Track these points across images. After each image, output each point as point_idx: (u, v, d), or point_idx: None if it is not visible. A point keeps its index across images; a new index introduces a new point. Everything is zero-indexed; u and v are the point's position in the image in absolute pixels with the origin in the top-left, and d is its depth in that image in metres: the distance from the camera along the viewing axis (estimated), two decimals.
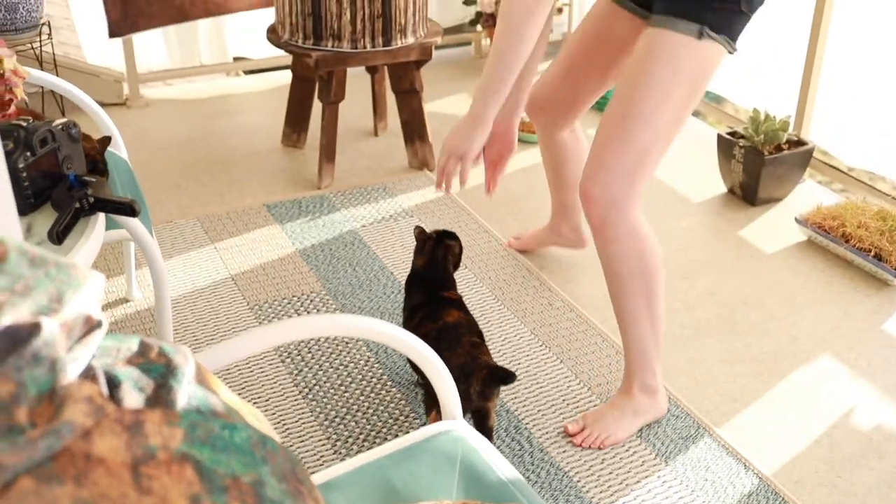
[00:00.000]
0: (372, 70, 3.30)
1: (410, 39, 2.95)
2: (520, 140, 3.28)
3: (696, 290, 2.52)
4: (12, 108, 1.56)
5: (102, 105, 3.63)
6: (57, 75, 3.50)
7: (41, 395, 0.68)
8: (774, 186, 2.99)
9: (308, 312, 2.37)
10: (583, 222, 2.50)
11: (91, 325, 0.75)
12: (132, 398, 0.75)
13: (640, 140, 1.81)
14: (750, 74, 3.45)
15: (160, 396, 0.77)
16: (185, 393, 0.79)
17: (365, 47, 2.88)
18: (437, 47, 3.08)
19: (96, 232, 1.38)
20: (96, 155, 1.64)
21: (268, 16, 3.63)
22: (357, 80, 3.53)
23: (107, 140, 1.67)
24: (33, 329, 0.68)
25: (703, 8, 1.75)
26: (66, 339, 0.71)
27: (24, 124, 1.37)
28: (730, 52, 1.81)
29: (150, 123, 3.57)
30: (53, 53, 3.52)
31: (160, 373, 0.80)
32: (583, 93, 2.22)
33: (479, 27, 4.06)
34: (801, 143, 3.02)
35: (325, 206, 2.92)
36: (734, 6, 1.77)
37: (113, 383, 0.75)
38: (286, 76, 3.47)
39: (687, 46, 1.77)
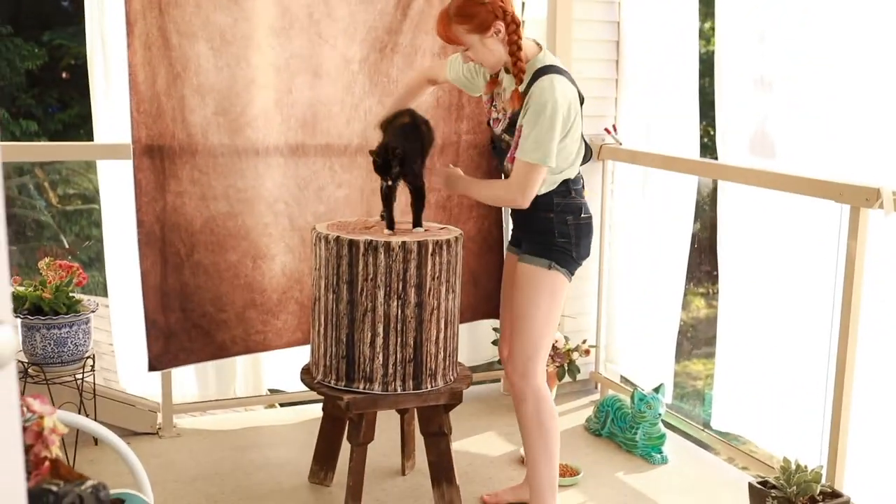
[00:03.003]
0: (402, 410, 3.35)
1: (440, 383, 3.03)
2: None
3: None
4: (45, 465, 1.59)
5: (135, 434, 3.70)
6: (94, 405, 3.60)
7: None
8: None
9: None
10: None
11: None
12: None
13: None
14: (773, 415, 3.45)
15: None
16: None
17: (395, 390, 2.95)
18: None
19: None
20: None
21: (304, 350, 3.77)
22: (387, 418, 3.57)
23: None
24: None
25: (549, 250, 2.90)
26: None
27: (55, 489, 1.40)
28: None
29: (180, 455, 3.59)
30: (94, 384, 3.62)
31: None
32: None
33: None
34: (835, 494, 2.95)
35: None
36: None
37: None
38: (318, 409, 3.53)
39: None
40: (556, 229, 2.89)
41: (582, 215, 2.93)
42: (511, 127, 2.85)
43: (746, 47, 3.45)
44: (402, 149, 2.96)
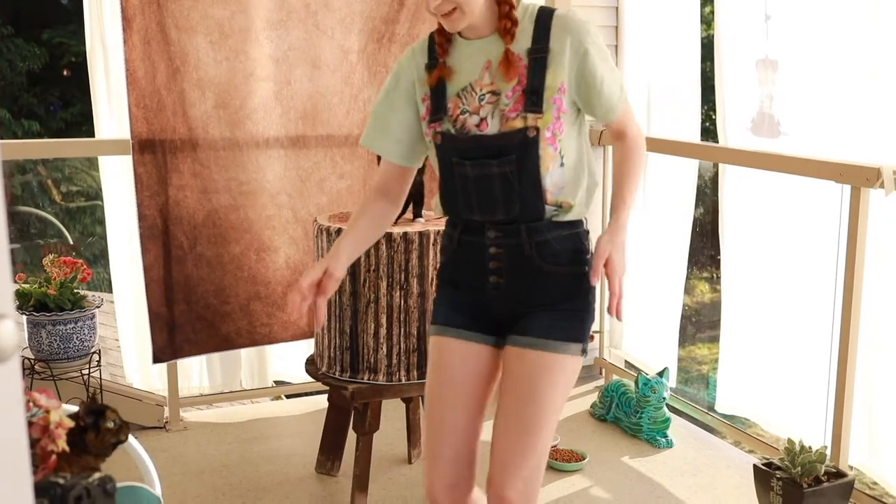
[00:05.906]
0: (406, 399, 3.36)
1: None
2: (554, 469, 3.27)
3: None
4: (52, 459, 1.60)
5: (142, 428, 3.72)
6: (101, 400, 3.60)
7: None
8: None
9: None
10: None
11: None
12: None
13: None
14: (777, 397, 3.46)
15: None
16: None
17: (400, 380, 2.96)
18: None
19: None
20: None
21: (308, 341, 3.78)
22: (392, 406, 3.59)
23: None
24: None
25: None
26: None
27: (62, 481, 1.41)
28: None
29: (188, 448, 3.61)
30: (100, 378, 3.64)
31: None
32: (474, 439, 2.11)
33: None
34: (840, 474, 2.97)
35: None
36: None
37: None
38: (323, 400, 3.55)
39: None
40: (589, 288, 2.04)
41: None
42: (534, 101, 1.95)
43: (748, 29, 3.44)
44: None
